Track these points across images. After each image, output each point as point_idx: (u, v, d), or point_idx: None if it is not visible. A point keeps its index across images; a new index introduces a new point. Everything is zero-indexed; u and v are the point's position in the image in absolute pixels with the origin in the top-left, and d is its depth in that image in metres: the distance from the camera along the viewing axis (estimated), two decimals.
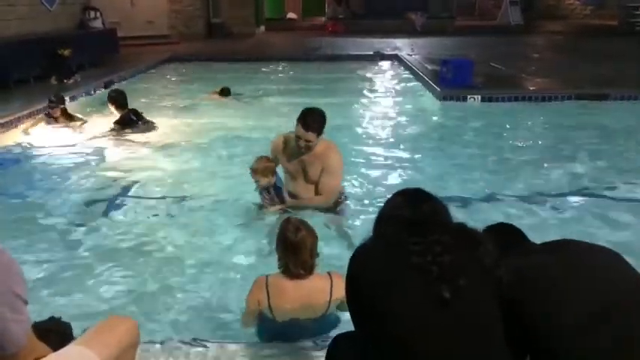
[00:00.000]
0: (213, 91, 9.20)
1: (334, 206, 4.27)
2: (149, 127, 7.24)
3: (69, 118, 7.26)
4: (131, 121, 7.10)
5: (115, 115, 7.13)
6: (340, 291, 2.60)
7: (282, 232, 2.70)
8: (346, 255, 3.18)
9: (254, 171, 4.08)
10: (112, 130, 7.03)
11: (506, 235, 2.16)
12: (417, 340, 1.71)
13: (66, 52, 10.18)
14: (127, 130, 7.02)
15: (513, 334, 1.82)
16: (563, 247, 2.04)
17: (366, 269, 1.85)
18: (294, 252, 2.63)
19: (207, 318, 3.14)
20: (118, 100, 7.18)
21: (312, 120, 3.97)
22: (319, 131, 3.99)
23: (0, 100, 8.17)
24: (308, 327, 2.72)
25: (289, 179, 4.28)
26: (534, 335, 1.80)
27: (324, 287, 2.67)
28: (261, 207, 4.28)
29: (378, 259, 1.85)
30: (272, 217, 4.13)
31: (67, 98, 8.66)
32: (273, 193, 4.17)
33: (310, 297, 2.66)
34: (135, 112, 7.22)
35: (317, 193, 4.20)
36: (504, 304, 1.83)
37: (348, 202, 4.49)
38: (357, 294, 1.85)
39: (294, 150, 4.13)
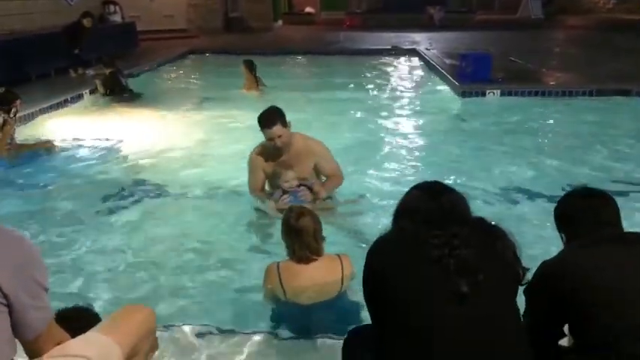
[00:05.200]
0: (245, 81, 9.00)
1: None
2: (135, 95, 8.63)
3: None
4: (118, 83, 8.50)
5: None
6: (350, 269, 2.76)
7: (285, 220, 2.83)
8: (359, 250, 3.20)
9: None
10: (104, 95, 8.48)
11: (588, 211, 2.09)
12: (434, 333, 1.70)
13: (85, 22, 10.21)
14: (117, 98, 8.39)
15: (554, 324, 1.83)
16: (633, 242, 1.99)
17: (384, 262, 1.84)
18: (298, 236, 2.74)
19: (222, 307, 3.17)
20: (106, 61, 8.93)
21: (269, 117, 3.98)
22: (282, 122, 3.98)
23: (22, 94, 8.26)
24: (324, 310, 2.78)
25: (280, 183, 4.16)
26: (584, 330, 1.80)
27: (335, 266, 2.78)
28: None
29: (396, 253, 1.84)
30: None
31: (86, 91, 8.81)
32: (294, 194, 4.04)
33: (322, 277, 2.76)
34: (121, 72, 8.78)
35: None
36: (551, 294, 1.84)
37: (365, 196, 4.48)
38: (375, 286, 1.84)
39: (274, 157, 4.11)
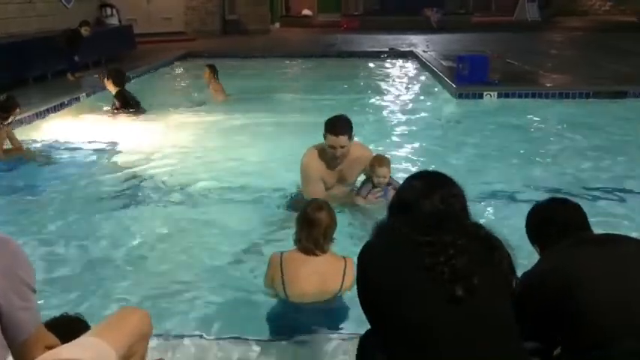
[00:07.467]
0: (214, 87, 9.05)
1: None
2: (141, 110, 7.93)
3: None
4: (127, 103, 7.80)
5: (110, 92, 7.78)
6: (353, 274, 2.67)
7: (304, 208, 2.87)
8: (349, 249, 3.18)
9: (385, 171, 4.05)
10: (113, 112, 7.69)
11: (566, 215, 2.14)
12: (432, 335, 1.69)
13: (83, 31, 10.12)
14: (128, 112, 7.70)
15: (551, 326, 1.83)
16: (613, 243, 2.01)
17: (377, 267, 1.81)
18: (309, 227, 2.77)
19: (223, 313, 3.15)
20: (113, 75, 7.80)
21: (340, 125, 3.94)
22: (349, 134, 3.95)
23: (19, 96, 8.25)
24: (323, 311, 2.79)
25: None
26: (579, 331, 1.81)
27: (338, 266, 2.79)
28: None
29: (390, 257, 1.81)
30: (285, 214, 4.10)
31: (83, 94, 8.80)
32: (385, 190, 4.09)
33: (324, 274, 2.77)
34: (128, 93, 7.97)
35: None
36: (543, 295, 1.85)
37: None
38: (370, 291, 1.81)
39: (329, 165, 4.08)
